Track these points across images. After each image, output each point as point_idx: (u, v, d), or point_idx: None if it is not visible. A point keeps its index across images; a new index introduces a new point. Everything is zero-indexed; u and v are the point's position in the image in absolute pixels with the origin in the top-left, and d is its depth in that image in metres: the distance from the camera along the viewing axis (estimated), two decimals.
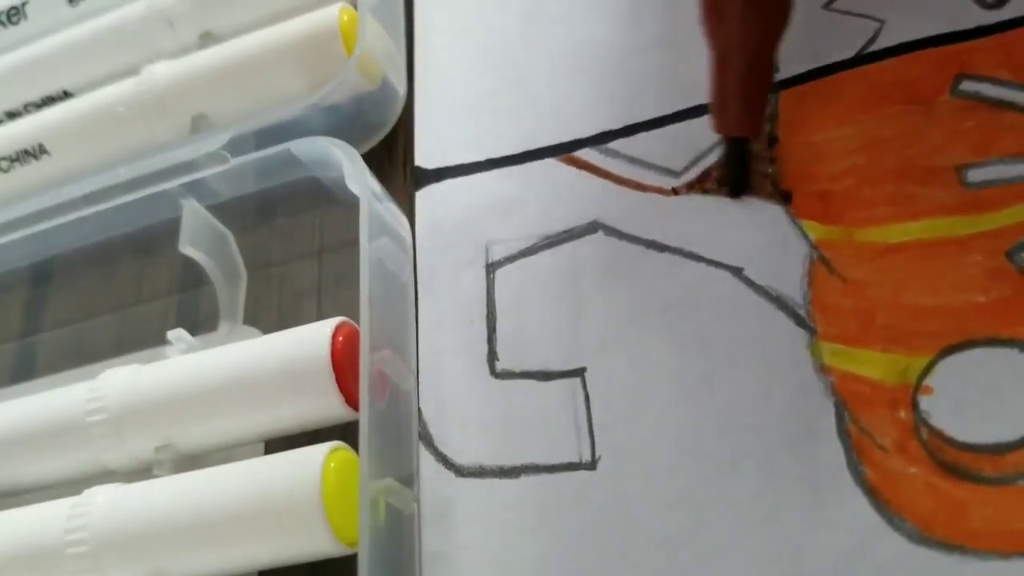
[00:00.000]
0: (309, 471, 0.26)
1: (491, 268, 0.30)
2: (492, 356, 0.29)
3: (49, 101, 0.40)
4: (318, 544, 0.26)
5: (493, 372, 0.29)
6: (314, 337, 0.28)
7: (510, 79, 0.33)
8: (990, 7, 0.27)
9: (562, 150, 0.31)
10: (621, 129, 0.31)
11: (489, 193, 0.32)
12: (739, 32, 0.25)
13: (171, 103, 0.36)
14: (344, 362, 0.28)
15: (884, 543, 0.23)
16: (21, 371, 0.37)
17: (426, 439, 0.29)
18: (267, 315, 0.34)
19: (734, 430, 0.26)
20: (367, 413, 0.26)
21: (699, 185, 0.29)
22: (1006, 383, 0.23)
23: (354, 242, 0.28)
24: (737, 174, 0.28)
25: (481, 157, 0.32)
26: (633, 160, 0.30)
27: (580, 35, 0.33)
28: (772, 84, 0.27)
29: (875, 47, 0.28)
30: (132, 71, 0.37)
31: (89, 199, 0.34)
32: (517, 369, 0.29)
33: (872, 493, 0.24)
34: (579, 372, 0.28)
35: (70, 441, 0.31)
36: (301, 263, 0.34)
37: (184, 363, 0.30)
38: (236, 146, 0.33)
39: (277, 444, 0.29)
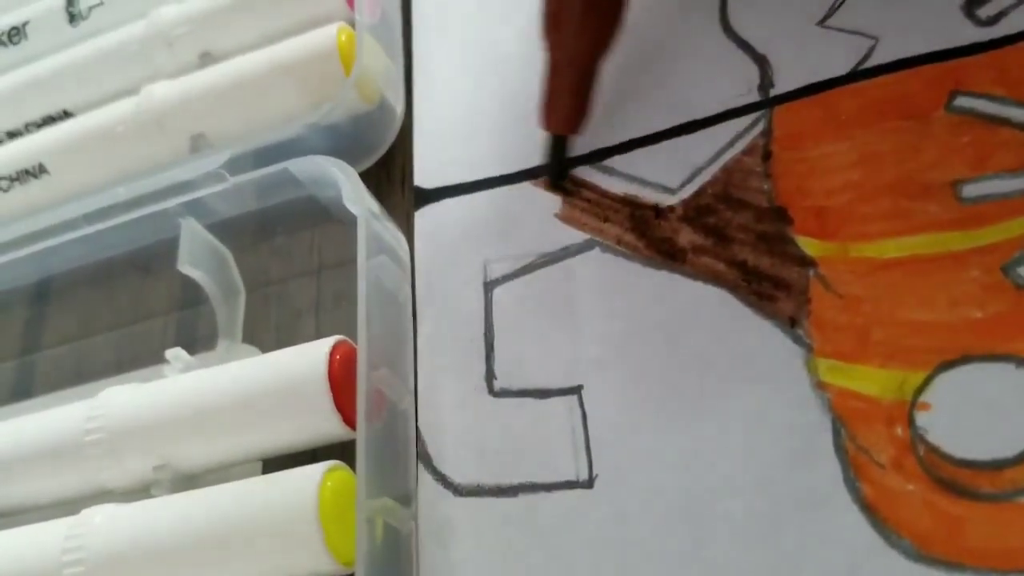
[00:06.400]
0: (306, 490, 0.26)
1: (489, 286, 0.31)
2: (490, 374, 0.29)
3: (49, 121, 0.40)
4: (315, 564, 0.26)
5: (491, 391, 0.29)
6: (311, 356, 0.28)
7: (507, 98, 0.33)
8: (984, 24, 0.28)
9: None
10: (617, 146, 0.31)
11: (487, 212, 0.32)
12: (574, 43, 0.28)
13: (170, 123, 0.36)
14: (341, 381, 0.28)
15: (882, 560, 0.23)
16: (20, 390, 0.37)
17: (424, 458, 0.29)
18: (265, 333, 0.34)
19: (731, 447, 0.25)
20: (364, 432, 0.26)
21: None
22: (1003, 398, 0.23)
23: (352, 261, 0.28)
24: (558, 166, 0.31)
25: (479, 176, 0.32)
26: (630, 177, 0.30)
27: None
28: (596, 89, 0.29)
29: (869, 63, 0.28)
30: (132, 91, 0.37)
31: (88, 218, 0.35)
32: (515, 387, 0.29)
33: (869, 510, 0.23)
34: (576, 390, 0.28)
35: (68, 460, 0.31)
36: (299, 281, 0.34)
37: (182, 383, 0.30)
38: (235, 165, 0.33)
39: (275, 463, 0.29)
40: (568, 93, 0.29)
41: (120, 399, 0.30)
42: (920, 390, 0.24)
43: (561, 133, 0.30)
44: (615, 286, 0.29)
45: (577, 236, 0.30)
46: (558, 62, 0.28)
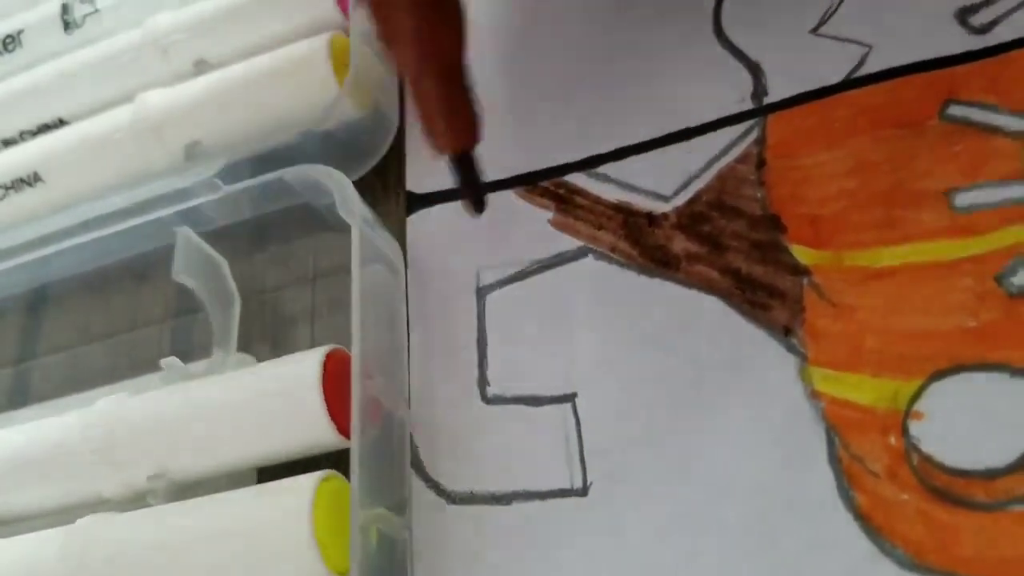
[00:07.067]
0: (300, 500, 0.26)
1: (482, 293, 0.31)
2: (483, 381, 0.29)
3: (44, 129, 0.40)
4: (309, 573, 0.26)
5: (484, 398, 0.29)
6: (305, 365, 0.28)
7: (500, 104, 0.33)
8: (978, 32, 0.28)
9: (552, 174, 0.31)
10: (611, 153, 0.31)
11: (480, 218, 0.31)
12: (417, 55, 0.25)
13: (165, 130, 0.36)
14: (335, 390, 0.28)
15: (876, 570, 0.23)
16: (15, 398, 0.37)
17: (417, 466, 0.29)
18: (260, 341, 0.34)
19: (725, 456, 0.25)
20: (358, 441, 0.26)
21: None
22: (996, 407, 0.23)
23: (347, 268, 0.28)
24: (472, 189, 0.27)
25: None
26: (623, 184, 0.30)
27: (569, 60, 0.33)
28: (471, 91, 0.26)
29: (863, 72, 0.28)
30: (127, 99, 0.37)
31: (83, 227, 0.34)
32: (508, 395, 0.29)
33: (863, 519, 0.23)
34: (570, 397, 0.28)
35: (64, 469, 0.31)
36: (294, 289, 0.34)
37: (177, 392, 0.30)
38: (229, 174, 0.33)
39: (270, 472, 0.29)
40: (440, 107, 0.25)
41: (115, 408, 0.30)
42: (914, 399, 0.24)
43: (455, 151, 0.27)
44: (609, 293, 0.29)
45: (571, 243, 0.30)
46: (414, 78, 0.25)
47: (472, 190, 0.27)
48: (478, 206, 0.28)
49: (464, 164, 0.27)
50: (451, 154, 0.27)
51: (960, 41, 0.28)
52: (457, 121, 0.26)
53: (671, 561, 0.25)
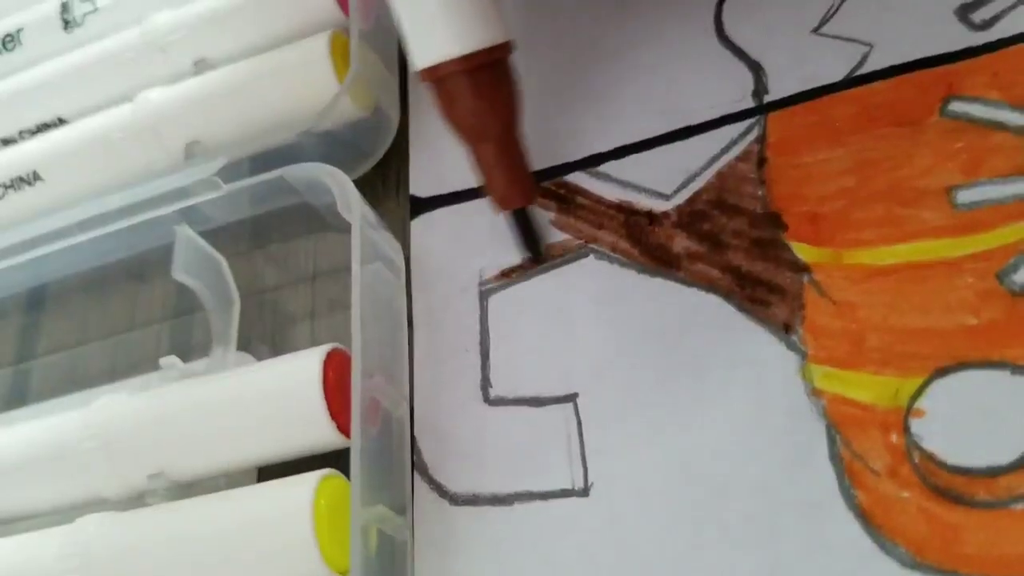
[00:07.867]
0: (300, 499, 0.26)
1: (484, 295, 0.31)
2: (485, 383, 0.29)
3: (44, 128, 0.40)
4: (310, 572, 0.26)
5: (486, 399, 0.29)
6: (305, 364, 0.28)
7: None
8: (978, 28, 0.28)
9: (553, 174, 0.31)
10: (611, 152, 0.31)
11: (482, 219, 0.32)
12: (477, 124, 0.28)
13: (165, 130, 0.36)
14: (335, 389, 0.28)
15: (877, 568, 0.23)
16: (14, 397, 0.37)
17: (420, 467, 0.29)
18: (260, 340, 0.34)
19: (726, 454, 0.25)
20: (359, 440, 0.26)
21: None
22: (998, 405, 0.23)
23: (348, 268, 0.28)
24: (531, 241, 0.30)
25: (474, 184, 0.32)
26: (624, 183, 0.30)
27: (569, 59, 0.33)
28: (526, 154, 0.29)
29: (864, 70, 0.28)
30: (126, 98, 0.37)
31: (83, 226, 0.34)
32: (510, 396, 0.29)
33: (865, 518, 0.23)
34: (571, 397, 0.28)
35: (63, 469, 0.31)
36: (295, 289, 0.34)
37: (176, 391, 0.30)
38: (229, 172, 0.33)
39: (270, 471, 0.29)
40: (501, 170, 0.28)
41: (115, 408, 0.30)
42: (915, 397, 0.24)
43: (518, 206, 0.29)
44: (610, 293, 0.29)
45: (571, 243, 0.30)
46: (474, 145, 0.28)
47: (529, 242, 0.30)
48: (536, 257, 0.30)
49: (521, 219, 0.30)
50: (513, 208, 0.29)
51: (961, 38, 0.28)
52: (515, 181, 0.29)
53: (672, 560, 0.25)
